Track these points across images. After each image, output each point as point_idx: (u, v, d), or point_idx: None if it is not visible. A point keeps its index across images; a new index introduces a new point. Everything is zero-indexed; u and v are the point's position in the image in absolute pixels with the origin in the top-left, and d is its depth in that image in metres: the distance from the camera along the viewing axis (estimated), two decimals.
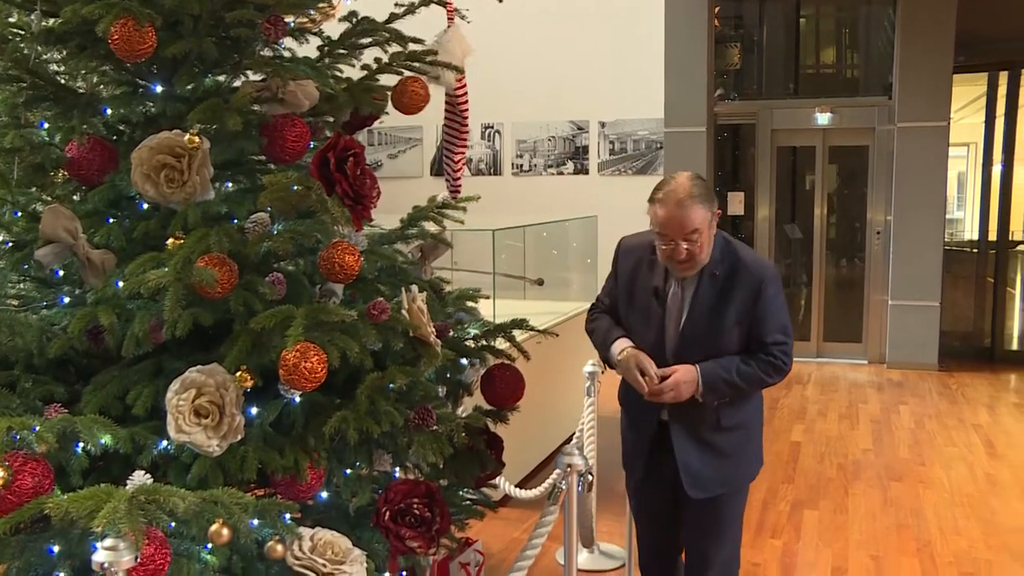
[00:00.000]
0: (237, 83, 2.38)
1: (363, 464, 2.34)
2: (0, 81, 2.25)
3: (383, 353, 2.29)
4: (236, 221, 2.24)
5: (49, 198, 2.33)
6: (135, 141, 2.18)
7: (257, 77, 2.36)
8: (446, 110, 3.10)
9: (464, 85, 3.00)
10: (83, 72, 2.37)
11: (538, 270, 6.79)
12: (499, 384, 2.63)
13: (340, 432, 2.10)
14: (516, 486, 3.69)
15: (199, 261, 2.01)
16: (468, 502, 2.68)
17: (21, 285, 2.37)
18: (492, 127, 10.70)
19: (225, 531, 1.84)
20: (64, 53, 2.28)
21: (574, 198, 10.19)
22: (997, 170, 8.55)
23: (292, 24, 2.47)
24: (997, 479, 5.24)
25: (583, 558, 4.04)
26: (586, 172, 10.42)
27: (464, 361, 2.66)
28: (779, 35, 9.36)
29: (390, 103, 2.60)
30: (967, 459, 5.62)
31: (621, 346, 2.68)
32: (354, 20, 2.59)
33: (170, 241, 2.09)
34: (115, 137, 2.36)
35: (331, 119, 2.56)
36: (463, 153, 3.12)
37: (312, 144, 2.38)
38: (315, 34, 2.63)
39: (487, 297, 2.99)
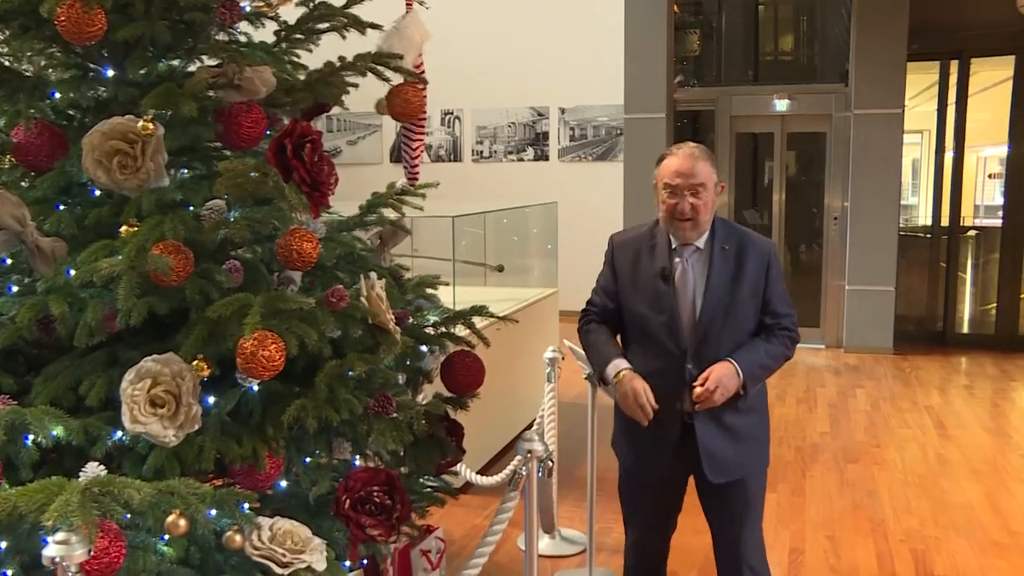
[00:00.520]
0: (192, 68, 2.34)
1: (322, 452, 2.32)
2: None
3: (342, 341, 2.27)
4: (192, 208, 2.21)
5: None
6: (86, 126, 2.13)
7: (212, 62, 2.32)
8: None
9: (422, 69, 2.97)
10: (28, 54, 2.31)
11: (498, 257, 6.79)
12: (459, 371, 2.62)
13: (299, 420, 2.08)
14: (477, 473, 3.70)
15: (154, 249, 1.97)
16: (429, 489, 2.68)
17: None
18: (452, 113, 10.66)
19: (182, 522, 1.82)
20: (7, 34, 2.22)
21: (534, 184, 10.21)
22: (949, 157, 8.70)
23: (248, 8, 2.43)
24: (947, 459, 5.35)
25: (544, 544, 4.06)
26: (546, 158, 10.43)
27: (424, 348, 2.65)
28: (738, 22, 9.42)
29: (360, 99, 2.58)
30: (920, 440, 5.74)
31: (618, 367, 2.68)
32: (311, 5, 2.55)
33: (124, 228, 2.05)
34: (64, 122, 2.30)
35: (288, 106, 2.53)
36: (421, 140, 3.10)
37: (269, 131, 2.35)
38: (271, 18, 2.59)
39: (447, 284, 2.98)
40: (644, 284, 2.69)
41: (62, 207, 2.20)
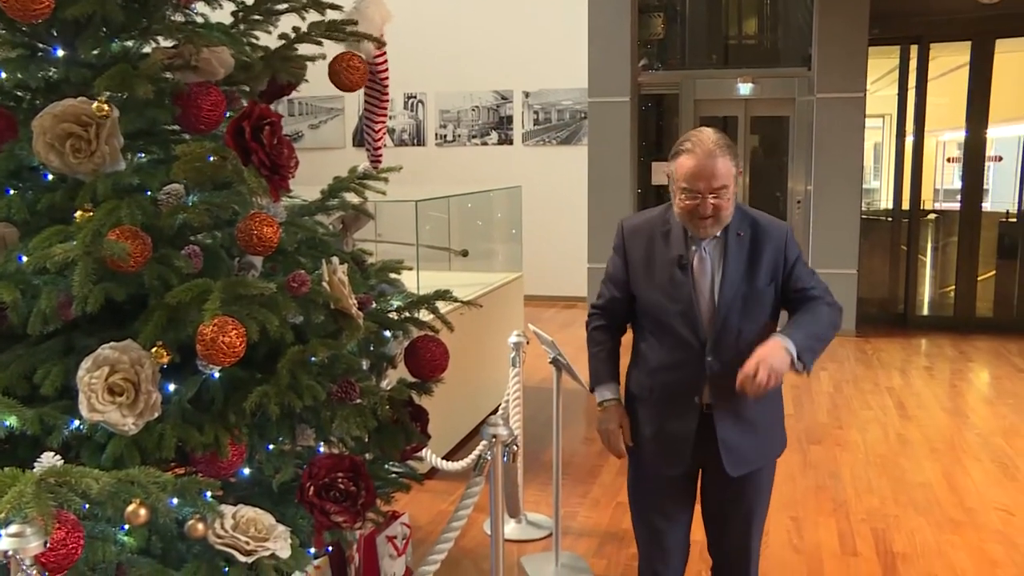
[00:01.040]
0: (147, 49, 2.29)
1: (286, 439, 2.30)
2: None
3: (304, 326, 2.25)
4: (149, 193, 2.16)
5: None
6: (36, 108, 2.07)
7: (168, 43, 2.27)
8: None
9: (384, 54, 2.94)
10: None
11: (463, 241, 6.77)
12: (423, 356, 2.61)
13: (261, 407, 2.05)
14: (442, 458, 3.69)
15: (110, 234, 1.93)
16: (394, 475, 2.67)
17: None
18: (415, 97, 10.59)
19: (143, 511, 1.79)
20: None
21: (498, 168, 10.19)
22: (909, 141, 8.81)
23: None
24: (907, 439, 5.44)
25: (510, 528, 4.07)
26: (510, 142, 10.40)
27: (387, 333, 2.63)
28: (702, 5, 9.43)
29: (324, 76, 2.53)
30: (881, 421, 5.82)
31: (604, 397, 2.63)
32: None
33: (78, 214, 2.00)
34: (12, 103, 2.24)
35: (247, 88, 2.49)
36: (383, 123, 3.07)
37: (228, 113, 2.31)
38: None
39: (410, 269, 2.96)
40: (660, 272, 2.53)
41: (12, 192, 2.15)
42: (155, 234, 2.04)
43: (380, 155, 3.05)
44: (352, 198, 2.74)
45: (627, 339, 2.74)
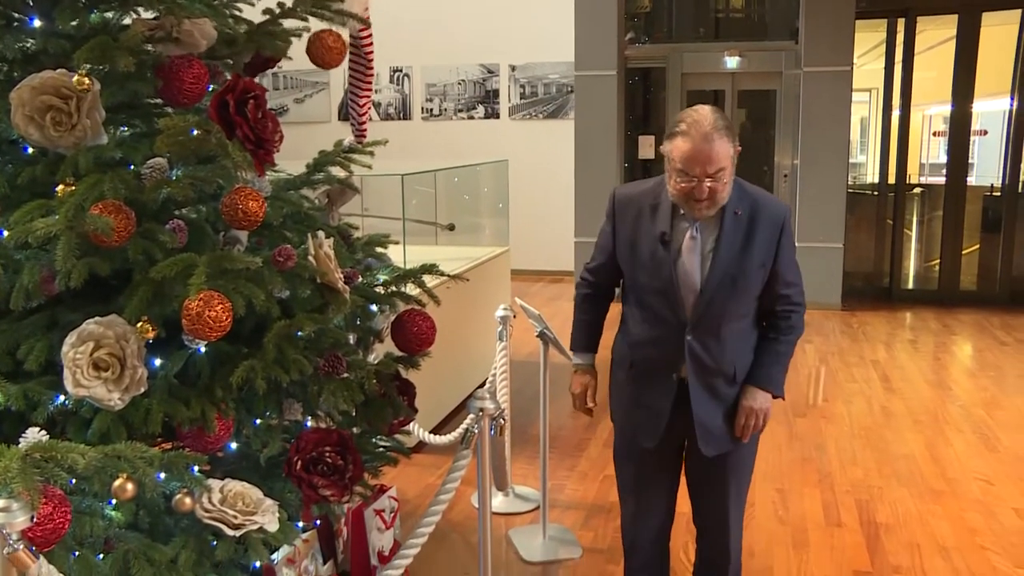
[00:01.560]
0: (127, 20, 2.26)
1: (273, 414, 2.30)
2: None
3: (290, 301, 2.24)
4: (132, 167, 2.15)
5: None
6: (13, 80, 2.05)
7: (149, 15, 2.24)
8: (350, 53, 3.01)
9: (368, 26, 2.92)
10: None
11: (449, 215, 6.75)
12: (409, 330, 2.61)
13: (248, 382, 2.06)
14: (430, 432, 3.70)
15: (93, 208, 1.92)
16: (381, 449, 2.68)
17: None
18: (401, 70, 10.51)
19: (129, 486, 1.80)
20: None
21: (485, 142, 10.14)
22: (896, 115, 8.81)
23: None
24: (891, 411, 5.49)
25: (498, 501, 4.09)
26: (497, 116, 10.35)
27: (374, 307, 2.63)
28: None
29: (306, 56, 2.50)
30: (866, 394, 5.87)
31: (575, 363, 2.74)
32: None
33: (60, 188, 1.99)
34: None
35: (230, 61, 2.46)
36: (368, 97, 3.05)
37: (211, 87, 2.29)
38: None
39: (397, 243, 2.95)
40: (643, 248, 2.47)
41: None
42: (139, 208, 2.03)
43: (365, 129, 3.04)
44: (338, 172, 2.72)
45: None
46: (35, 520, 1.56)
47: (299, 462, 2.22)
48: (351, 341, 2.58)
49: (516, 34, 10.09)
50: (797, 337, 2.59)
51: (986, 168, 9.33)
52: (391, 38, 9.50)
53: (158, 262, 1.98)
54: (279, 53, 2.50)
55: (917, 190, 9.17)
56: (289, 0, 2.44)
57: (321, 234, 2.30)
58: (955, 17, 8.45)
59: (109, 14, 2.27)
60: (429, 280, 2.76)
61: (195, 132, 2.05)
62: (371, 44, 3.00)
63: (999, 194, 8.75)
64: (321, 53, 2.47)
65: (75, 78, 1.98)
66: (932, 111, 10.04)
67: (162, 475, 1.91)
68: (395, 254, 2.97)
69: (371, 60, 3.01)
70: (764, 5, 9.41)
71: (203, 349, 2.12)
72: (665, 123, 9.09)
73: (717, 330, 2.45)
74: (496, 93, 10.33)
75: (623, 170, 8.94)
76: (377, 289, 2.65)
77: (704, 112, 2.33)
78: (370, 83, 3.01)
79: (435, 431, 4.25)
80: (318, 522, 2.64)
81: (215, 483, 2.01)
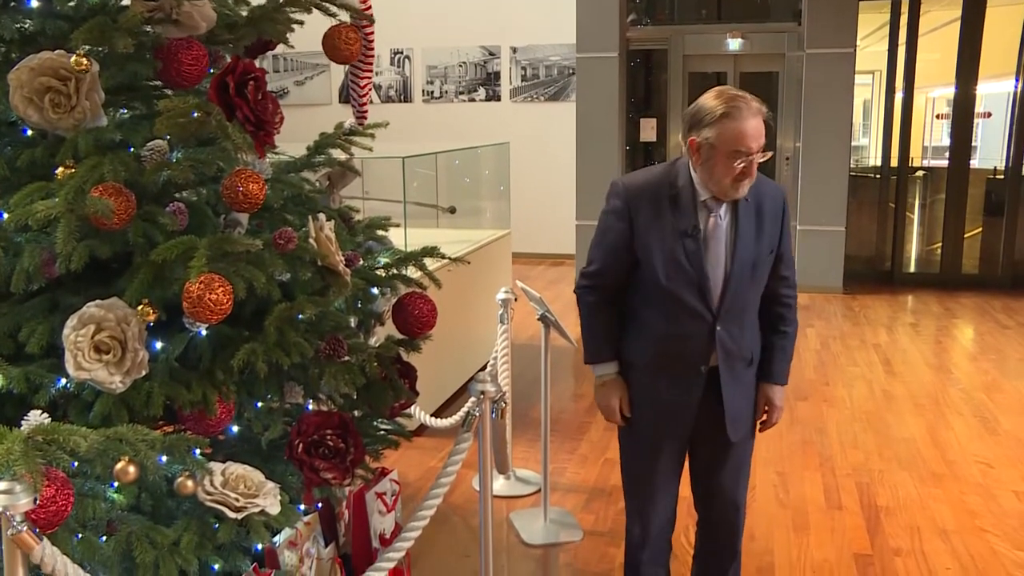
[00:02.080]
0: (126, 1, 2.24)
1: (274, 396, 2.30)
2: None
3: (291, 283, 2.24)
4: (132, 149, 2.14)
5: None
6: (11, 61, 2.04)
7: None
8: None
9: (369, 7, 2.90)
10: None
11: (450, 198, 6.73)
12: (411, 313, 2.60)
13: (249, 365, 2.05)
14: (431, 415, 3.70)
15: (93, 191, 1.91)
16: (383, 432, 2.68)
17: None
18: (402, 53, 10.47)
19: (131, 469, 1.80)
20: None
21: (486, 125, 10.12)
22: (899, 98, 8.77)
23: None
24: (893, 395, 5.49)
25: (499, 484, 4.10)
26: (498, 99, 10.32)
27: (375, 290, 2.62)
28: None
29: (308, 32, 2.49)
30: (867, 377, 5.87)
31: (605, 371, 2.55)
32: None
33: (60, 170, 1.98)
34: None
35: (231, 44, 2.45)
36: (369, 79, 3.03)
37: (211, 68, 2.28)
38: None
39: (398, 225, 2.94)
40: (669, 241, 2.38)
41: None
42: (139, 191, 2.02)
43: (366, 111, 3.02)
44: (339, 154, 2.71)
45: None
46: (38, 502, 1.57)
47: (300, 445, 2.22)
48: (352, 324, 2.58)
49: (517, 16, 10.04)
50: (795, 327, 2.63)
51: (989, 151, 9.30)
52: (392, 20, 9.45)
53: (159, 245, 1.97)
54: (279, 37, 2.48)
55: (920, 173, 9.14)
56: None
57: (322, 217, 2.29)
58: None
59: None
60: (430, 263, 2.75)
61: (195, 114, 2.04)
62: (371, 26, 2.98)
63: (1002, 177, 8.72)
64: (337, 48, 2.48)
65: (73, 59, 1.97)
66: (935, 93, 10.00)
67: (164, 458, 1.92)
68: (396, 237, 2.97)
69: (372, 42, 2.98)
70: None
71: (204, 332, 2.11)
72: (667, 106, 9.06)
73: (741, 317, 2.47)
74: (497, 75, 10.28)
75: (624, 153, 8.91)
76: (378, 272, 2.65)
77: (732, 90, 2.32)
78: (371, 65, 2.99)
79: (436, 414, 4.26)
80: (319, 505, 2.64)
81: (217, 466, 2.01)
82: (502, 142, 7.10)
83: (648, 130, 9.13)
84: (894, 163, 8.91)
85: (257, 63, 2.25)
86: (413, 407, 3.16)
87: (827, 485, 4.15)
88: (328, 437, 2.24)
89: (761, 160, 2.30)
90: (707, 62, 9.01)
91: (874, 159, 9.36)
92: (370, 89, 3.06)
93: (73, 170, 1.95)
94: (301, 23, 2.48)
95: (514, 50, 10.18)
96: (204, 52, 2.18)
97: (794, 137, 8.58)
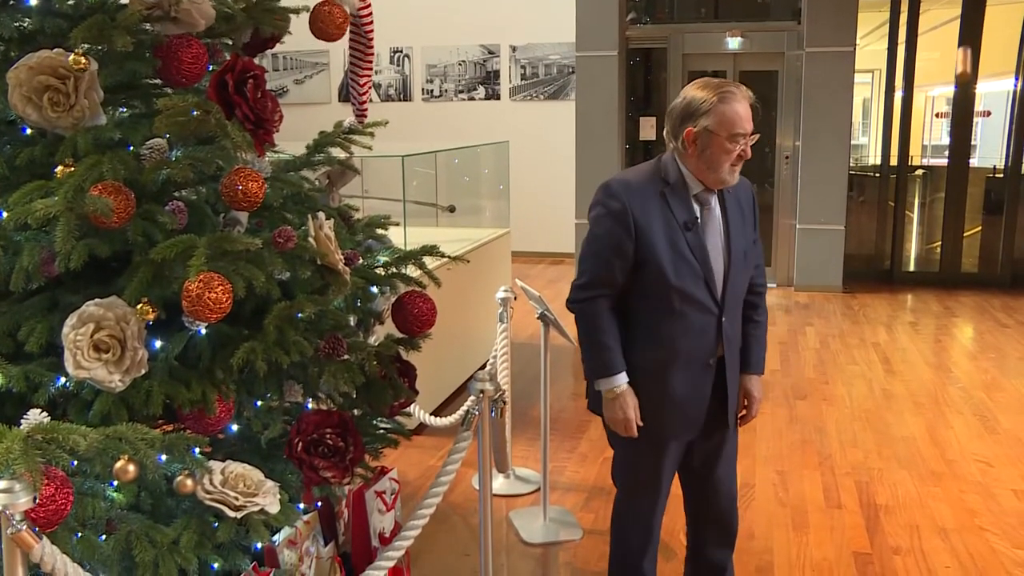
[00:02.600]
0: (124, 0, 2.24)
1: (273, 395, 2.30)
2: None
3: (291, 282, 2.24)
4: (131, 148, 2.14)
5: None
6: (10, 60, 2.04)
7: None
8: (351, 32, 2.99)
9: (368, 5, 2.89)
10: None
11: (450, 197, 6.73)
12: (410, 312, 2.60)
13: (248, 363, 2.05)
14: (431, 414, 3.70)
15: (92, 189, 1.91)
16: (382, 431, 2.68)
17: None
18: (401, 51, 10.46)
19: (131, 467, 1.80)
20: None
21: (486, 124, 10.11)
22: (899, 96, 8.77)
23: None
24: (892, 393, 5.49)
25: (499, 483, 4.10)
26: (497, 97, 10.31)
27: (374, 289, 2.62)
28: None
29: (308, 30, 2.49)
30: (866, 376, 5.87)
31: (617, 384, 2.45)
32: None
33: (59, 169, 1.98)
34: None
35: (230, 41, 2.45)
36: (368, 78, 3.03)
37: (211, 67, 2.28)
38: None
39: (397, 224, 2.94)
40: (670, 237, 2.37)
41: None
42: (138, 189, 2.02)
43: (365, 110, 3.02)
44: (338, 153, 2.71)
45: None
46: (37, 501, 1.57)
47: (300, 444, 2.22)
48: (352, 323, 2.58)
49: (517, 14, 10.03)
50: (767, 318, 2.68)
51: (989, 150, 9.30)
52: (391, 18, 9.45)
53: (158, 243, 1.98)
54: (278, 31, 2.48)
55: (919, 172, 9.14)
56: None
57: (321, 215, 2.29)
58: None
59: None
60: (430, 262, 2.76)
61: (194, 112, 2.04)
62: (371, 24, 2.98)
63: (1001, 176, 8.72)
64: (324, 25, 2.47)
65: (72, 58, 1.97)
66: (935, 92, 10.00)
67: (163, 457, 1.91)
68: (396, 236, 2.96)
69: (371, 40, 2.98)
70: None
71: (203, 331, 2.11)
72: (666, 104, 9.04)
73: (736, 307, 2.52)
74: (497, 74, 10.28)
75: (624, 151, 8.91)
76: (377, 271, 2.65)
77: (714, 79, 2.40)
78: (370, 64, 2.99)
79: (436, 413, 4.26)
80: (319, 504, 2.64)
81: (216, 465, 2.01)
82: (501, 141, 7.10)
83: (648, 128, 9.12)
84: (894, 162, 8.91)
85: (256, 61, 2.25)
86: (412, 406, 3.16)
87: (826, 484, 4.15)
88: (328, 436, 2.24)
89: (752, 142, 2.38)
90: (707, 61, 9.00)
91: (874, 158, 9.36)
92: (370, 88, 3.06)
93: (72, 169, 1.95)
94: (297, 12, 2.48)
95: (513, 49, 10.17)
96: (203, 50, 2.18)
97: (793, 136, 8.58)
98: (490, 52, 10.25)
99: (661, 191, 2.40)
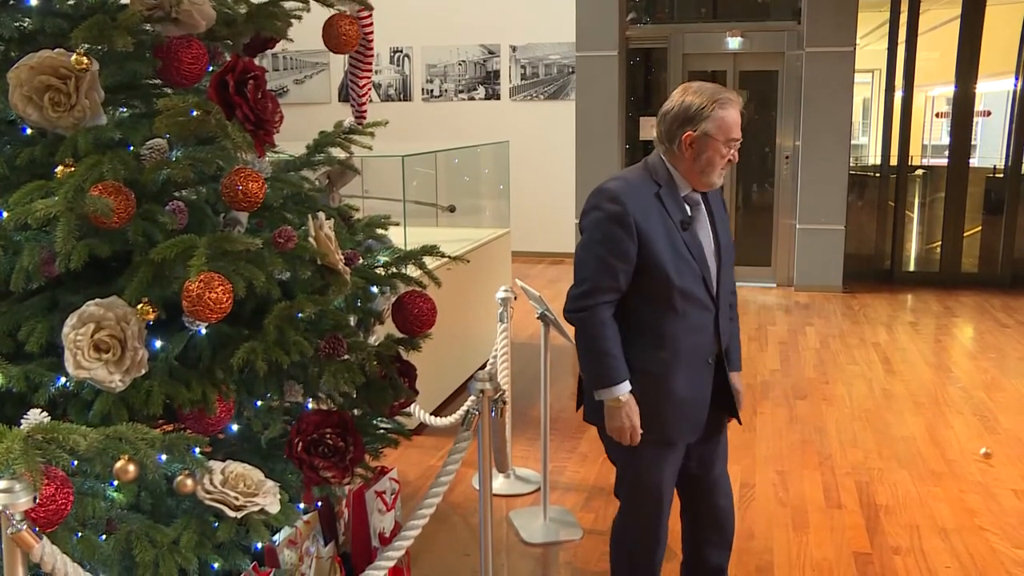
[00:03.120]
0: (125, 0, 2.24)
1: (274, 395, 2.30)
2: None
3: (291, 282, 2.24)
4: (131, 148, 2.14)
5: None
6: (10, 59, 2.04)
7: None
8: None
9: (369, 7, 2.89)
10: None
11: (450, 197, 6.73)
12: (410, 312, 2.61)
13: (249, 363, 2.05)
14: (431, 414, 3.70)
15: (92, 189, 1.91)
16: (382, 431, 2.68)
17: None
18: (401, 51, 10.46)
19: (131, 467, 1.80)
20: None
21: (486, 124, 10.11)
22: (899, 96, 8.77)
23: None
24: (892, 393, 5.49)
25: (499, 483, 4.10)
26: (498, 97, 10.31)
27: (374, 289, 2.62)
28: None
29: (308, 30, 2.50)
30: (866, 376, 5.87)
31: (622, 393, 2.42)
32: None
33: (59, 169, 1.98)
34: None
35: (230, 42, 2.45)
36: (368, 78, 3.03)
37: (211, 67, 2.28)
38: None
39: (397, 224, 2.94)
40: (670, 238, 2.40)
41: None
42: (138, 189, 2.02)
43: (365, 110, 3.02)
44: (338, 153, 2.71)
45: None
46: (38, 501, 1.57)
47: (300, 444, 2.22)
48: (352, 323, 2.58)
49: (517, 14, 10.03)
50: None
51: (989, 150, 9.29)
52: (391, 18, 9.45)
53: (158, 243, 1.98)
54: (279, 34, 2.49)
55: (919, 172, 9.14)
56: None
57: (321, 215, 2.29)
58: None
59: None
60: (430, 262, 2.76)
61: (195, 113, 2.04)
62: (371, 24, 2.98)
63: (1002, 176, 8.72)
64: (335, 39, 2.48)
65: (73, 58, 1.97)
66: (935, 92, 9.99)
67: (163, 457, 1.92)
68: (396, 236, 2.96)
69: (371, 41, 2.98)
70: None
71: (204, 331, 2.11)
72: None
73: (726, 304, 2.58)
74: (497, 74, 10.28)
75: (624, 151, 8.91)
76: (378, 270, 2.65)
77: (706, 84, 2.47)
78: (370, 64, 2.99)
79: (436, 413, 4.26)
80: (319, 504, 2.64)
81: (216, 465, 2.01)
82: (502, 141, 7.10)
83: (648, 128, 9.11)
84: (894, 162, 8.91)
85: (257, 61, 2.25)
86: (413, 406, 3.16)
87: (826, 484, 4.15)
88: (328, 436, 2.24)
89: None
90: (707, 61, 9.00)
91: (874, 158, 9.36)
92: (369, 88, 3.06)
93: (72, 169, 1.95)
94: (299, 18, 2.48)
95: (513, 49, 10.17)
96: (204, 51, 2.18)
97: (794, 136, 8.58)
98: (490, 52, 10.25)
99: (656, 192, 2.43)
